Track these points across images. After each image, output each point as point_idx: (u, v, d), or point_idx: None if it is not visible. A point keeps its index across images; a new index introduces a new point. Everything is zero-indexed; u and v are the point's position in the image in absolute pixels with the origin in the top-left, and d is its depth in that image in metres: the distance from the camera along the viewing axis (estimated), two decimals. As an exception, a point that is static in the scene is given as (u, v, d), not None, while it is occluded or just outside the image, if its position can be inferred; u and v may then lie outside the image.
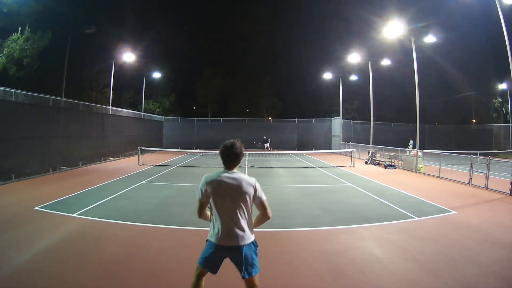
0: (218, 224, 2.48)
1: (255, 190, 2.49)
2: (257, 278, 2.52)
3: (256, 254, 2.53)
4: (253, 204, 2.53)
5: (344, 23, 42.14)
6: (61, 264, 4.10)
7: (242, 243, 2.45)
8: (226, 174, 2.51)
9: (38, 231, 5.32)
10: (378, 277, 3.84)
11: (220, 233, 2.46)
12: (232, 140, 2.58)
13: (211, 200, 2.50)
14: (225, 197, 2.44)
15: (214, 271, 2.59)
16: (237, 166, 2.60)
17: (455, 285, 3.66)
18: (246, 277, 2.47)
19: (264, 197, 2.55)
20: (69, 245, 4.74)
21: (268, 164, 16.58)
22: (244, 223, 2.47)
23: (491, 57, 26.68)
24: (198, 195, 2.57)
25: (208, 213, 2.63)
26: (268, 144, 22.55)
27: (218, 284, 3.69)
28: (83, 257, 4.33)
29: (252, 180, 2.51)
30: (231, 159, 2.54)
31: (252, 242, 2.52)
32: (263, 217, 2.56)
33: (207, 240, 2.59)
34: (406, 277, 3.86)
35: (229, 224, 2.44)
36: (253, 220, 2.61)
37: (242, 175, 2.54)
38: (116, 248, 4.66)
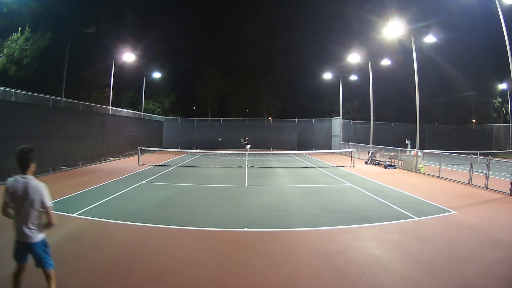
0: (15, 226, 2.85)
1: (41, 195, 2.77)
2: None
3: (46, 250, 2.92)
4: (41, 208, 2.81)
5: (344, 23, 42.19)
6: (61, 264, 4.09)
7: (30, 241, 2.79)
8: (17, 178, 2.80)
9: (38, 231, 5.32)
10: (378, 277, 3.84)
11: (16, 229, 2.84)
12: (24, 145, 2.88)
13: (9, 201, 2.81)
14: (15, 199, 2.76)
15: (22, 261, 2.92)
16: (29, 170, 2.84)
17: (455, 285, 3.66)
18: (39, 267, 2.91)
19: (48, 203, 2.81)
20: (69, 245, 4.74)
21: (268, 164, 16.58)
22: (31, 223, 2.80)
23: (491, 57, 26.71)
24: (2, 197, 2.85)
25: (11, 212, 2.86)
26: (248, 146, 22.09)
27: (218, 284, 3.70)
28: (83, 257, 4.33)
29: (40, 186, 2.79)
30: (21, 163, 2.82)
31: (40, 240, 2.86)
32: (48, 222, 2.85)
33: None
34: (406, 277, 3.87)
35: (20, 223, 2.80)
36: (42, 222, 2.89)
37: (31, 180, 2.80)
38: (116, 248, 4.66)
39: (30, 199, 2.73)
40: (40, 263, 2.87)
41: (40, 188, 2.78)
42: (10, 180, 2.81)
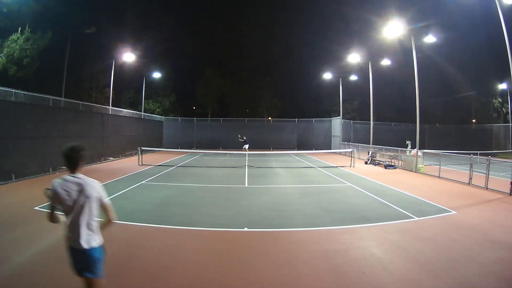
0: (67, 228, 2.55)
1: (98, 193, 2.53)
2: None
3: (100, 256, 2.60)
4: (98, 207, 2.59)
5: (344, 23, 42.22)
6: (61, 264, 4.09)
7: (86, 246, 2.48)
8: (68, 178, 2.54)
9: (38, 231, 5.32)
10: (378, 277, 3.84)
11: (69, 235, 2.53)
12: (72, 143, 2.67)
13: (58, 204, 2.52)
14: (68, 201, 2.47)
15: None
16: (79, 169, 2.61)
17: (455, 285, 3.66)
18: (85, 276, 2.55)
19: (106, 200, 2.61)
20: (69, 245, 4.73)
21: (268, 164, 16.58)
22: (87, 226, 2.52)
23: (491, 57, 26.71)
24: (48, 200, 2.57)
25: (59, 217, 2.61)
26: (247, 146, 22.18)
27: (218, 284, 3.70)
28: (83, 257, 4.32)
29: (95, 183, 2.55)
30: (71, 162, 2.60)
31: (98, 245, 2.57)
32: (107, 220, 2.64)
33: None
34: (406, 277, 3.87)
35: (74, 227, 2.49)
36: (100, 223, 2.65)
37: (84, 178, 2.56)
38: (116, 248, 4.66)
39: (85, 199, 2.46)
40: (90, 269, 2.51)
41: (95, 185, 2.54)
42: (57, 181, 2.51)
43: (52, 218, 2.58)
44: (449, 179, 11.78)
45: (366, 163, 17.52)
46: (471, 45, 29.96)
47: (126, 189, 9.15)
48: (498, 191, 9.34)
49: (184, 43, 46.69)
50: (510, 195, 8.90)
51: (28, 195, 8.04)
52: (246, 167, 15.05)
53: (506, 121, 29.71)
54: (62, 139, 12.92)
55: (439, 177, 12.30)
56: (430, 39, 16.73)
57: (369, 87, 21.48)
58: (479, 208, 7.55)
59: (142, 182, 10.47)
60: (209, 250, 4.69)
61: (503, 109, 31.51)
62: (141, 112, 26.20)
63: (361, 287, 3.64)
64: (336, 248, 4.79)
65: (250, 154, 20.35)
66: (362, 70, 26.00)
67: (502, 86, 29.42)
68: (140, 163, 15.34)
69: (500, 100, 31.48)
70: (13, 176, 9.90)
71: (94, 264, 2.51)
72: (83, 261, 2.50)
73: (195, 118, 31.82)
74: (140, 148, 16.24)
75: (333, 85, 30.11)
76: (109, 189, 9.09)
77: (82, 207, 2.46)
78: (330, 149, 25.29)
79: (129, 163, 16.04)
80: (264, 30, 53.95)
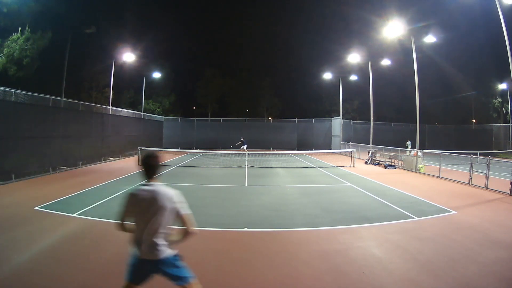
0: (137, 238, 2.42)
1: (174, 203, 2.44)
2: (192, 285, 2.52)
3: (179, 264, 2.50)
4: (175, 218, 2.48)
5: (344, 23, 42.16)
6: (61, 264, 4.11)
7: (161, 257, 2.38)
8: (144, 187, 2.47)
9: (38, 231, 5.32)
10: (378, 277, 3.84)
11: (140, 246, 2.40)
12: (150, 150, 2.59)
13: (130, 213, 2.45)
14: (142, 210, 2.39)
15: (141, 283, 2.49)
16: (156, 177, 2.55)
17: (455, 285, 3.66)
18: (179, 285, 2.47)
19: (185, 211, 2.48)
20: (69, 245, 4.74)
21: (268, 164, 16.58)
22: (162, 237, 2.41)
23: (491, 57, 26.68)
24: (120, 208, 2.50)
25: (129, 226, 2.53)
26: (245, 146, 22.32)
27: (218, 284, 3.70)
28: (83, 257, 4.33)
29: (172, 193, 2.46)
30: (149, 170, 2.55)
31: (173, 255, 2.47)
32: (185, 232, 2.49)
33: (130, 254, 2.50)
34: (406, 277, 3.86)
35: (147, 238, 2.38)
36: (176, 234, 2.54)
37: (161, 188, 2.48)
38: (116, 248, 4.65)
39: (160, 208, 2.36)
40: (178, 278, 2.43)
41: (172, 195, 2.44)
42: (132, 189, 2.46)
43: (122, 227, 2.51)
44: (449, 179, 11.78)
45: (366, 163, 17.52)
46: (471, 45, 29.99)
47: (126, 189, 9.14)
48: (498, 191, 9.34)
49: (184, 43, 46.64)
50: (510, 195, 8.90)
51: (28, 195, 8.04)
52: (246, 167, 15.04)
53: (506, 121, 29.71)
54: (62, 139, 12.95)
55: (439, 177, 12.30)
56: (430, 39, 16.74)
57: (369, 87, 21.48)
58: (479, 208, 7.55)
59: (142, 182, 10.44)
60: (209, 250, 4.69)
61: (503, 109, 31.51)
62: (141, 112, 26.20)
63: (361, 287, 3.64)
64: (336, 248, 4.79)
65: (250, 154, 20.35)
66: (362, 70, 26.00)
67: (502, 86, 29.41)
68: (140, 163, 15.29)
69: (500, 100, 31.47)
70: (13, 176, 9.90)
71: (174, 274, 2.43)
72: (150, 273, 2.42)
73: (195, 118, 31.84)
74: (140, 148, 16.22)
75: (333, 85, 30.11)
76: (109, 189, 9.11)
77: (155, 217, 2.36)
78: (330, 149, 25.29)
79: (129, 163, 16.03)
80: (264, 30, 53.97)
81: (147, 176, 2.51)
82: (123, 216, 2.46)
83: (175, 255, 2.47)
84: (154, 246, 2.35)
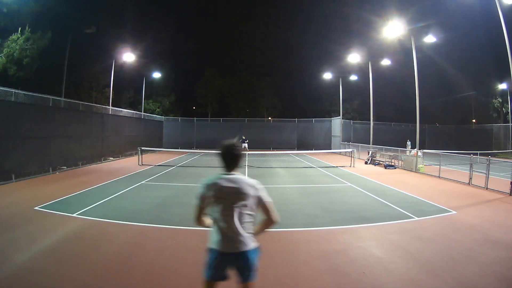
0: (218, 230, 2.30)
1: (258, 192, 2.33)
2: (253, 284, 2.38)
3: (256, 258, 2.36)
4: (257, 207, 2.36)
5: (344, 23, 42.25)
6: (61, 264, 4.10)
7: (244, 249, 2.27)
8: (225, 176, 2.34)
9: (38, 231, 5.32)
10: (378, 277, 3.84)
11: (222, 239, 2.28)
12: (231, 140, 2.45)
13: (210, 205, 2.33)
14: (225, 201, 2.27)
15: (224, 279, 2.36)
16: (237, 168, 2.42)
17: (455, 285, 3.66)
18: (245, 282, 2.32)
19: (268, 200, 2.38)
20: (69, 245, 4.74)
21: (268, 164, 16.58)
22: (246, 228, 2.30)
23: (491, 57, 26.70)
24: (196, 201, 2.40)
25: (207, 219, 2.43)
26: (246, 145, 22.48)
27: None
28: (83, 257, 4.33)
29: (254, 182, 2.34)
30: (231, 160, 2.39)
31: (255, 247, 2.35)
32: (268, 221, 2.38)
33: (208, 249, 2.36)
34: (406, 277, 3.86)
35: (231, 230, 2.26)
36: (258, 224, 2.43)
37: (242, 177, 2.37)
38: (116, 248, 4.66)
39: (243, 198, 2.25)
40: (248, 275, 2.28)
41: (254, 183, 2.32)
42: (209, 180, 2.34)
43: (200, 221, 2.41)
44: (449, 179, 11.78)
45: (366, 163, 17.51)
46: (471, 45, 30.00)
47: (126, 189, 9.15)
48: (498, 191, 9.34)
49: (184, 43, 46.61)
50: (510, 195, 8.90)
51: (28, 195, 8.04)
52: (246, 167, 15.04)
53: (506, 121, 29.70)
54: (62, 139, 12.95)
55: (439, 177, 12.30)
56: (430, 39, 16.75)
57: (369, 87, 21.48)
58: (479, 208, 7.55)
59: (142, 182, 10.47)
60: (209, 250, 4.68)
61: (503, 109, 31.50)
62: (141, 112, 26.21)
63: (361, 287, 3.64)
64: (336, 248, 4.79)
65: (250, 154, 20.35)
66: (362, 70, 25.99)
67: (502, 86, 29.41)
68: (140, 163, 15.34)
69: (500, 100, 31.47)
70: (13, 176, 9.90)
71: (250, 268, 2.28)
72: (238, 266, 2.28)
73: (195, 118, 31.84)
74: (140, 148, 16.24)
75: (333, 85, 30.11)
76: (109, 189, 9.11)
77: (238, 207, 2.25)
78: (330, 149, 25.29)
79: (129, 163, 16.03)
80: (264, 30, 54.03)
81: (228, 168, 2.37)
82: (202, 208, 2.36)
83: (257, 248, 2.33)
84: (238, 238, 2.23)
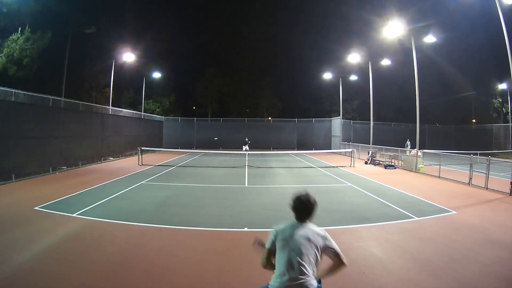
0: (283, 273, 2.34)
1: (326, 241, 2.40)
2: None
3: None
4: (326, 255, 2.43)
5: (344, 23, 42.10)
6: (61, 264, 4.11)
7: None
8: (296, 225, 2.42)
9: (38, 231, 5.32)
10: (378, 277, 3.84)
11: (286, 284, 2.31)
12: (304, 192, 2.48)
13: (279, 250, 2.39)
14: (293, 249, 2.33)
15: None
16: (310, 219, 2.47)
17: (455, 285, 3.66)
18: None
19: (336, 247, 2.44)
20: (69, 245, 4.74)
21: (268, 164, 16.58)
22: (310, 274, 2.33)
23: (491, 57, 26.68)
24: (267, 244, 2.45)
25: (273, 263, 2.47)
26: (247, 146, 22.53)
27: (218, 284, 3.70)
28: (83, 257, 4.33)
29: (322, 232, 2.43)
30: (304, 212, 2.44)
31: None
32: (337, 265, 2.44)
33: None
34: (406, 277, 3.86)
35: (295, 274, 2.30)
36: (327, 268, 2.48)
37: (313, 227, 2.45)
38: (116, 248, 4.66)
39: (311, 245, 2.33)
40: None
41: (323, 232, 2.41)
42: (280, 226, 2.43)
43: (267, 263, 2.46)
44: (449, 179, 11.78)
45: (366, 163, 17.51)
46: (471, 45, 29.96)
47: (126, 189, 9.15)
48: (498, 191, 9.34)
49: (184, 43, 46.60)
50: (510, 195, 8.90)
51: (28, 195, 8.04)
52: (246, 167, 15.05)
53: (506, 121, 29.68)
54: (62, 139, 12.95)
55: (439, 177, 12.30)
56: (430, 39, 16.73)
57: (369, 87, 21.48)
58: (479, 208, 7.55)
59: (142, 182, 10.47)
60: (209, 250, 4.69)
61: (503, 109, 31.48)
62: (141, 112, 26.20)
63: (361, 287, 3.65)
64: (336, 248, 4.79)
65: (250, 154, 20.36)
66: (362, 70, 25.98)
67: (502, 86, 29.37)
68: (140, 163, 15.34)
69: (500, 100, 31.45)
70: (13, 176, 9.90)
71: None
72: None
73: (195, 118, 31.83)
74: (140, 148, 16.24)
75: (333, 85, 30.10)
76: (109, 189, 9.11)
77: (305, 253, 2.31)
78: (330, 149, 25.29)
79: (129, 163, 16.03)
80: (264, 30, 54.01)
81: (302, 218, 2.42)
82: (271, 252, 2.42)
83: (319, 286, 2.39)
84: (304, 282, 2.27)
